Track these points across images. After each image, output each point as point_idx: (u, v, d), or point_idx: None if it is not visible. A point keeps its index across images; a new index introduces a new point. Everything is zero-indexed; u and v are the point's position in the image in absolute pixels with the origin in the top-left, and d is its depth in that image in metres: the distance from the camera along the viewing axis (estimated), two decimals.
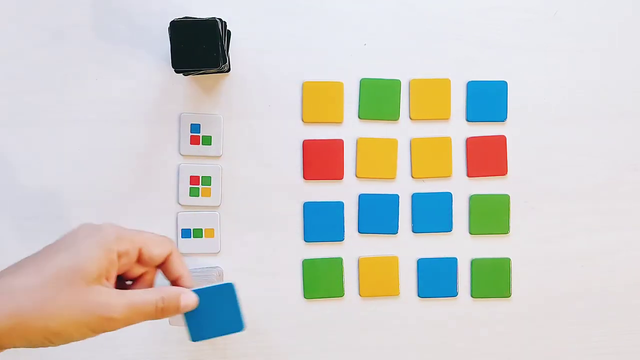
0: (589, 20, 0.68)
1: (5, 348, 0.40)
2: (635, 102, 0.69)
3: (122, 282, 0.46)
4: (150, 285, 0.46)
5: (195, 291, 0.45)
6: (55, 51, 0.65)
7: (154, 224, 0.66)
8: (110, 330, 0.42)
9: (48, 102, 0.65)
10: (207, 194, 0.66)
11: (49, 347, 0.41)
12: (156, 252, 0.44)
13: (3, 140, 0.65)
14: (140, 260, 0.44)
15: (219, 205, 0.67)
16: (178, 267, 0.45)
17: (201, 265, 0.66)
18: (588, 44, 0.69)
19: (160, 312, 0.43)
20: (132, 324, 0.42)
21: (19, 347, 0.40)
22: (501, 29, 0.68)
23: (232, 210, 0.67)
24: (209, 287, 0.46)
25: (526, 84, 0.68)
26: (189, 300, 0.44)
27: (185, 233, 0.66)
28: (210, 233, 0.66)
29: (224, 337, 0.47)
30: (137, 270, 0.45)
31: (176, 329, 0.66)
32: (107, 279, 0.42)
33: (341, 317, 0.68)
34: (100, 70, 0.66)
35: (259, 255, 0.67)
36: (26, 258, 0.41)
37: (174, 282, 0.46)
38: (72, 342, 0.41)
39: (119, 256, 0.42)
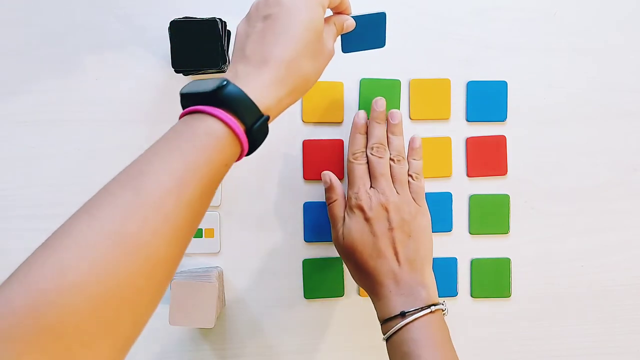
0: (588, 20, 0.69)
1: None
2: (635, 102, 0.69)
3: None
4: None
5: (353, 17, 0.56)
6: (55, 51, 0.65)
7: None
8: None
9: (48, 102, 0.65)
10: None
11: None
12: None
13: (3, 140, 0.65)
14: None
15: (219, 205, 0.67)
16: (345, 3, 0.56)
17: (201, 265, 0.66)
18: (588, 44, 0.69)
19: (338, 27, 0.55)
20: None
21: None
22: (501, 29, 0.68)
23: (232, 210, 0.67)
24: (364, 15, 0.57)
25: (526, 84, 0.68)
26: (350, 22, 0.56)
27: None
28: (210, 233, 0.66)
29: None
30: None
31: (176, 329, 0.66)
32: None
33: (341, 317, 0.68)
34: (100, 70, 0.66)
35: (259, 255, 0.67)
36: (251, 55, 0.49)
37: (339, 12, 0.56)
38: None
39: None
